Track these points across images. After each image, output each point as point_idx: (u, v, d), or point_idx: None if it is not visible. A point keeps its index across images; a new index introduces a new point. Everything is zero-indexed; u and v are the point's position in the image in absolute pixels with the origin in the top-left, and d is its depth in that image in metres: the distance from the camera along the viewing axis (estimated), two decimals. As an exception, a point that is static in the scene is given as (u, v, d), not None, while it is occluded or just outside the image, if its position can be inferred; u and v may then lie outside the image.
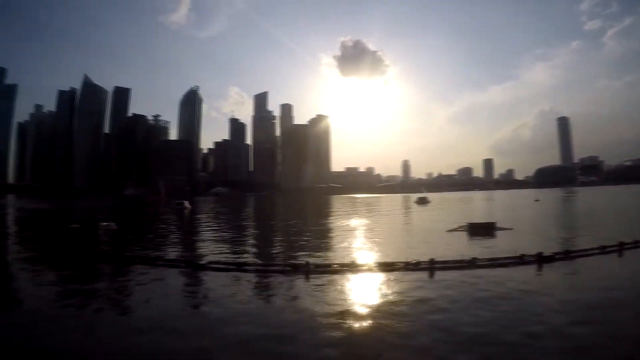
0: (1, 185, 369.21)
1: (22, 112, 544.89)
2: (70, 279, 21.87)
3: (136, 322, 14.09)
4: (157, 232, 47.88)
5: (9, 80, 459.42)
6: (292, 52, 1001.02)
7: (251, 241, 39.78)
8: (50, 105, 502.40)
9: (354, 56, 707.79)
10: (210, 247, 32.39)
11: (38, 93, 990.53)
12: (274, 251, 31.71)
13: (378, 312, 14.55)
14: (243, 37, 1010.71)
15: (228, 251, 30.26)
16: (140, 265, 23.87)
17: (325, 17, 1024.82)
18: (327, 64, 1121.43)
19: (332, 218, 69.16)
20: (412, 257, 22.33)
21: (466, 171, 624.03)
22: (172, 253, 30.20)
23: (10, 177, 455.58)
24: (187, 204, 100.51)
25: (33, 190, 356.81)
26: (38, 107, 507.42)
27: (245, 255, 28.55)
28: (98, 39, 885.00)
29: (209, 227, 54.39)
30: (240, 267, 22.50)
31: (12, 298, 18.11)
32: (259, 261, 24.54)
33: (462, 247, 28.97)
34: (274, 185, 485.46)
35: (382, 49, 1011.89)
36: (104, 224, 46.61)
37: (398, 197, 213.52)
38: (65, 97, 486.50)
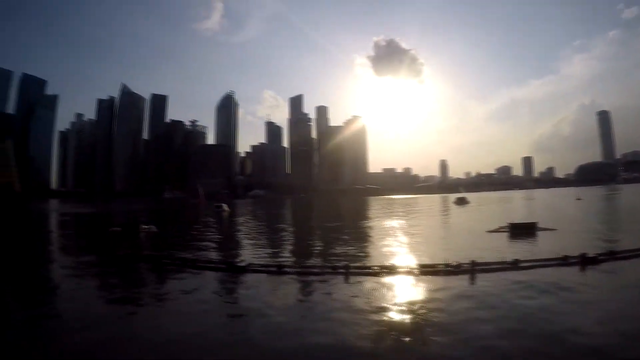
0: (45, 191, 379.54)
1: (63, 121, 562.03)
2: (112, 281, 22.26)
3: (176, 326, 14.22)
4: (196, 235, 48.35)
5: (50, 91, 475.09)
6: (326, 54, 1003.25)
7: (289, 243, 39.96)
8: (90, 113, 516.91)
9: (387, 56, 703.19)
10: (249, 249, 32.73)
11: (78, 102, 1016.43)
12: (313, 253, 31.66)
13: (419, 316, 14.34)
14: (275, 41, 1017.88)
15: (267, 253, 30.38)
16: (180, 267, 24.19)
17: (356, 16, 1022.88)
18: (361, 64, 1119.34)
19: (370, 219, 68.95)
20: (453, 259, 22.05)
21: (505, 170, 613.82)
22: (212, 255, 30.51)
23: (54, 182, 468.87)
24: (225, 206, 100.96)
25: (75, 195, 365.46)
26: (79, 115, 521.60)
27: (284, 257, 28.68)
28: (134, 48, 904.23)
29: (248, 229, 54.79)
30: (280, 269, 22.54)
31: (55, 299, 18.54)
32: (299, 263, 24.57)
33: (504, 248, 28.42)
34: (311, 188, 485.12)
35: (416, 47, 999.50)
36: (145, 226, 47.28)
37: (436, 197, 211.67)
38: (105, 106, 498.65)
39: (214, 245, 39.48)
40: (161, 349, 12.06)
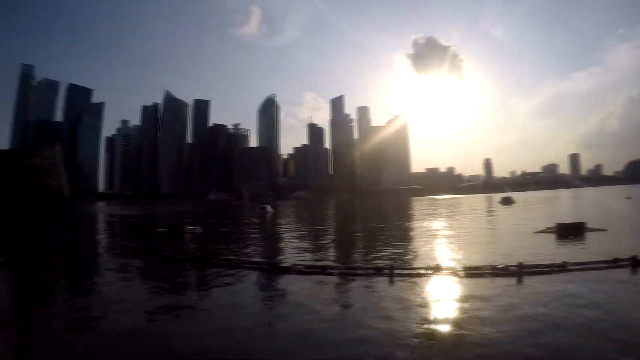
0: (92, 194, 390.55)
1: (109, 127, 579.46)
2: (158, 280, 22.74)
3: (220, 325, 14.43)
4: (240, 236, 48.86)
5: (96, 99, 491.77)
6: (365, 53, 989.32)
7: (332, 244, 40.03)
8: (135, 120, 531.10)
9: (427, 53, 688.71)
10: (293, 250, 32.72)
11: (124, 109, 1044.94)
12: (356, 254, 31.78)
13: (465, 319, 14.11)
14: (314, 42, 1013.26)
15: (310, 254, 30.54)
16: (225, 267, 24.51)
17: (394, 14, 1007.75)
18: (400, 62, 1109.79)
19: (413, 220, 68.49)
20: (499, 261, 21.77)
21: (551, 168, 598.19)
22: (256, 255, 30.80)
23: (101, 186, 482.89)
24: (269, 208, 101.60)
25: (122, 198, 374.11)
26: (124, 122, 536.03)
27: (328, 258, 28.81)
28: (176, 56, 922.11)
29: (291, 230, 55.11)
30: (324, 270, 22.64)
31: (102, 299, 18.98)
32: (342, 264, 24.57)
33: (551, 250, 27.96)
34: (354, 188, 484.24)
35: (456, 43, 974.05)
36: (190, 227, 48.08)
37: (481, 197, 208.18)
38: (149, 112, 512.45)
39: (257, 246, 39.85)
40: (208, 345, 12.32)
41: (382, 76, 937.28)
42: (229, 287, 20.13)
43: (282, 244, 39.54)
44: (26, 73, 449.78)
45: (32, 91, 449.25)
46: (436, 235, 42.28)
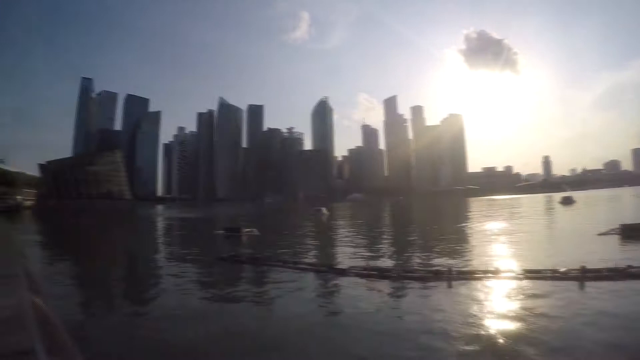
0: (152, 198, 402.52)
1: (167, 134, 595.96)
2: (216, 281, 23.41)
3: (280, 322, 14.71)
4: (296, 238, 49.26)
5: (152, 108, 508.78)
6: (416, 51, 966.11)
7: (389, 246, 39.93)
8: (191, 126, 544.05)
9: (479, 48, 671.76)
10: (349, 252, 32.81)
11: (180, 116, 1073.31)
12: (413, 256, 31.56)
13: (526, 325, 13.89)
14: (365, 43, 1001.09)
15: (367, 256, 30.53)
16: (282, 269, 25.00)
17: (443, 8, 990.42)
18: (453, 59, 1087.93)
19: (470, 222, 67.52)
20: (560, 264, 21.27)
21: (614, 164, 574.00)
22: (312, 257, 31.09)
23: (159, 190, 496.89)
24: (324, 210, 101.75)
25: (180, 201, 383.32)
26: (180, 129, 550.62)
27: (385, 260, 28.77)
28: (229, 64, 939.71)
29: (347, 232, 54.96)
30: (381, 272, 22.60)
31: (164, 297, 19.59)
32: (400, 267, 24.53)
33: (615, 253, 27.11)
34: (410, 190, 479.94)
35: (508, 35, 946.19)
36: (247, 230, 48.87)
37: (540, 197, 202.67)
38: (204, 118, 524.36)
39: (313, 247, 40.22)
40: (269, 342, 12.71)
41: (435, 74, 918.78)
42: (285, 287, 20.48)
43: (338, 246, 39.76)
44: (86, 86, 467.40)
45: (92, 103, 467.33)
46: (495, 237, 41.65)
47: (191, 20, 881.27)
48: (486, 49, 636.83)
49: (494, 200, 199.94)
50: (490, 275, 20.91)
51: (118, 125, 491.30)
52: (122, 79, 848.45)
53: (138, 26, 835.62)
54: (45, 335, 5.11)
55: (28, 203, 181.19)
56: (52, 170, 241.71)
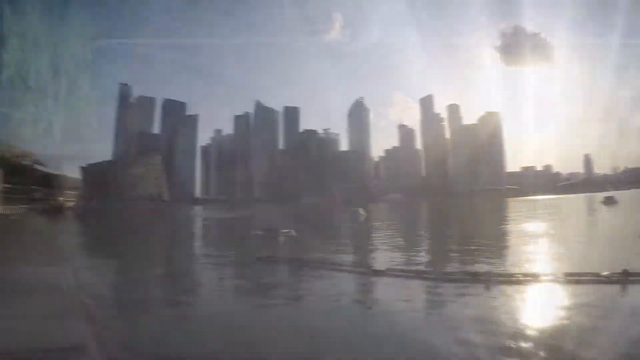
0: (190, 199, 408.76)
1: (204, 136, 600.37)
2: (253, 281, 23.58)
3: (317, 322, 14.71)
4: (334, 238, 49.28)
5: (190, 111, 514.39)
6: (451, 49, 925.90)
7: (427, 248, 39.66)
8: (228, 129, 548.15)
9: (515, 44, 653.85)
10: (386, 253, 32.74)
11: (217, 119, 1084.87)
12: (452, 258, 31.18)
13: (568, 331, 13.45)
14: (399, 42, 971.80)
15: (404, 257, 30.43)
16: (320, 270, 24.98)
17: (476, 4, 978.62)
18: (488, 55, 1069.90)
19: (509, 223, 66.57)
20: (603, 267, 20.77)
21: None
22: (350, 258, 31.06)
23: (198, 191, 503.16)
24: (361, 211, 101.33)
25: (218, 202, 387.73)
26: (217, 131, 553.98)
27: (422, 261, 28.58)
28: (265, 67, 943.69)
29: (384, 233, 54.70)
30: (419, 274, 22.48)
31: (200, 298, 19.84)
32: (438, 269, 24.36)
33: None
34: (447, 190, 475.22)
35: (543, 28, 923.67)
36: (284, 230, 48.87)
37: (581, 197, 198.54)
38: (241, 121, 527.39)
39: (351, 248, 40.16)
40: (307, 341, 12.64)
41: (471, 71, 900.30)
42: (323, 287, 20.55)
43: (376, 247, 39.54)
44: (124, 92, 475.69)
45: (130, 108, 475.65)
46: (535, 239, 40.90)
47: (225, 23, 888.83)
48: (522, 44, 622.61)
49: (534, 200, 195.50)
50: (529, 278, 20.48)
51: (156, 128, 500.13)
52: (159, 84, 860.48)
53: (176, 32, 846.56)
54: (94, 332, 5.26)
55: (69, 204, 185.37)
56: (93, 172, 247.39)
